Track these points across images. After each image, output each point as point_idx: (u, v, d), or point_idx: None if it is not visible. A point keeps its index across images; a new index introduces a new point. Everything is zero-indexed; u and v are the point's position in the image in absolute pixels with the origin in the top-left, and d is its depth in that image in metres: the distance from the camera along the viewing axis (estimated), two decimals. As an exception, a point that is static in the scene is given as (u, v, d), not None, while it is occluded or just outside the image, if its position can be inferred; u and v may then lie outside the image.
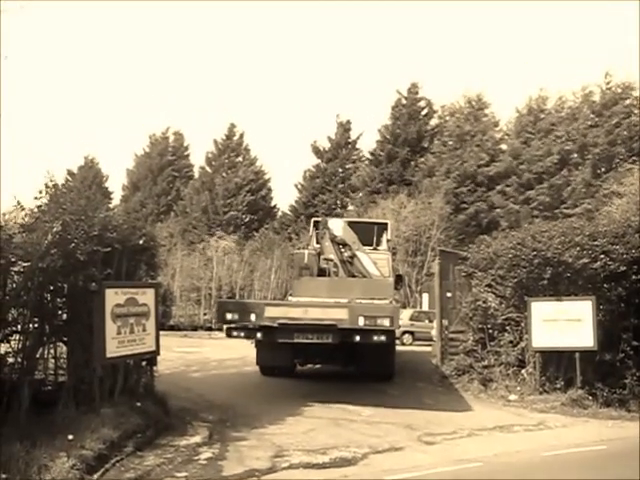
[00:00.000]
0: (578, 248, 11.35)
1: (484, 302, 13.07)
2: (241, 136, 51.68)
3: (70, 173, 49.82)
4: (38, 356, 7.98)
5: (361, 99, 71.89)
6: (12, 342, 7.73)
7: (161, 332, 9.33)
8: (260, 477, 6.77)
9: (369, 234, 16.00)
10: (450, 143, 44.07)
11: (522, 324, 12.13)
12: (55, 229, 7.47)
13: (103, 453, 6.86)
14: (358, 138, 49.68)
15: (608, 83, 42.29)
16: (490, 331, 12.92)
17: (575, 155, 41.24)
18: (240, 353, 16.19)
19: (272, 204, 52.00)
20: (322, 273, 14.57)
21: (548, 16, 69.68)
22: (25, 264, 7.21)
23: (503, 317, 12.71)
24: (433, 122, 47.08)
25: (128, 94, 78.98)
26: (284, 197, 65.06)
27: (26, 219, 8.05)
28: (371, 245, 15.83)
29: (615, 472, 7.29)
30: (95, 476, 6.46)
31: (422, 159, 44.73)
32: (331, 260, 14.58)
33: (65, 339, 8.37)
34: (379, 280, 14.44)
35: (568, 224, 12.57)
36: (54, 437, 6.62)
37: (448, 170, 42.02)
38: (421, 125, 46.07)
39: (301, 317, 10.27)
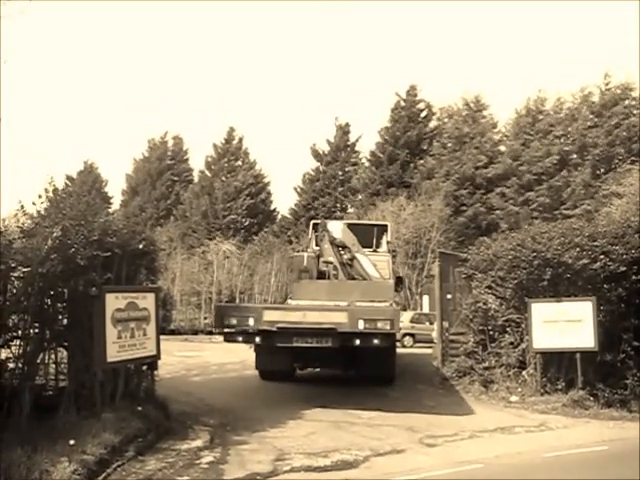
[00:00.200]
0: (578, 249, 11.35)
1: (484, 304, 13.06)
2: (240, 140, 51.76)
3: (69, 178, 49.92)
4: (39, 361, 7.97)
5: (359, 102, 72.18)
6: (13, 347, 7.74)
7: (162, 336, 9.34)
8: (261, 481, 6.77)
9: (369, 236, 15.94)
10: (449, 145, 44.12)
11: (522, 325, 12.13)
12: (55, 234, 7.48)
13: (104, 458, 6.85)
14: (357, 141, 49.85)
15: (607, 84, 42.37)
16: (491, 332, 12.91)
17: (574, 156, 41.30)
18: (240, 357, 16.18)
19: (272, 207, 52.07)
20: (321, 276, 14.53)
21: (547, 16, 69.90)
22: (25, 269, 7.23)
23: (503, 318, 12.71)
24: (432, 124, 47.16)
25: (127, 98, 79.14)
26: (284, 200, 64.93)
27: (26, 224, 8.07)
28: (371, 247, 15.77)
29: (616, 473, 7.29)
30: (96, 481, 6.46)
31: (421, 161, 44.79)
32: (330, 263, 14.53)
33: (66, 344, 8.36)
34: (379, 282, 14.40)
35: (568, 225, 12.57)
36: (55, 442, 6.63)
37: (447, 172, 42.06)
38: (420, 127, 46.14)
39: (300, 321, 10.14)
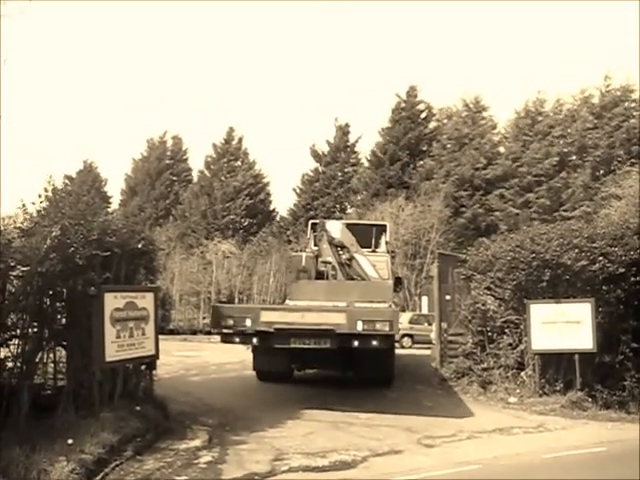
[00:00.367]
0: (577, 250, 11.36)
1: (483, 305, 13.07)
2: (240, 140, 51.77)
3: (69, 177, 49.88)
4: (37, 360, 7.97)
5: (359, 102, 72.18)
6: (11, 346, 7.73)
7: (160, 336, 9.33)
8: (260, 480, 6.77)
9: (367, 236, 15.89)
10: (448, 146, 44.15)
11: (521, 326, 12.13)
12: (54, 233, 7.48)
13: (103, 457, 6.85)
14: (357, 141, 49.87)
15: (608, 86, 42.41)
16: (489, 334, 12.91)
17: (574, 157, 41.33)
18: (239, 357, 16.17)
19: (271, 208, 52.06)
20: (320, 276, 14.48)
21: (547, 17, 69.94)
22: (24, 268, 7.23)
23: (502, 319, 12.70)
24: (431, 125, 47.18)
25: (126, 98, 79.13)
26: (283, 201, 65.13)
27: (25, 223, 8.07)
28: (370, 247, 15.73)
29: (615, 474, 7.30)
30: (95, 480, 6.46)
31: (421, 162, 44.82)
32: (329, 263, 14.48)
33: (64, 343, 8.37)
34: (378, 283, 14.35)
35: (566, 226, 12.57)
36: (54, 441, 6.62)
37: (447, 173, 42.09)
38: (420, 129, 46.18)
39: (298, 322, 10.01)
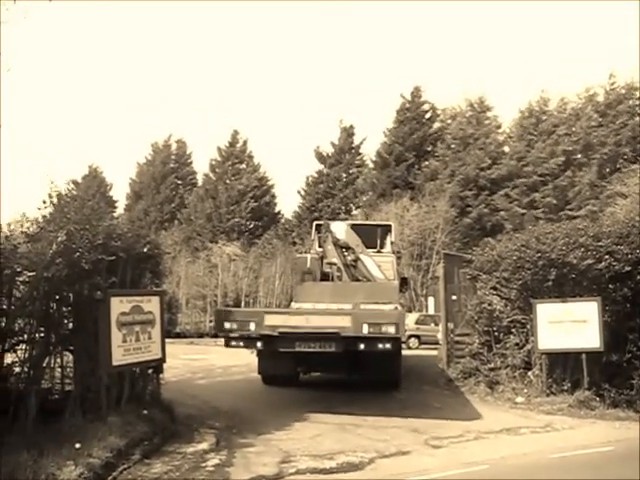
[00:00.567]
0: (582, 249, 11.33)
1: (489, 305, 13.05)
2: (244, 143, 51.87)
3: (74, 182, 50.04)
4: (45, 365, 8.00)
5: (363, 103, 72.13)
6: (19, 352, 7.77)
7: (167, 340, 9.35)
8: (267, 483, 6.78)
9: (372, 236, 15.82)
10: (453, 146, 44.12)
11: (528, 326, 12.11)
12: (60, 238, 7.51)
13: (110, 461, 6.87)
14: (362, 143, 49.88)
15: (612, 84, 42.32)
16: (496, 333, 12.89)
17: (579, 155, 41.24)
18: (245, 360, 16.14)
19: (276, 210, 52.11)
20: (325, 277, 14.46)
21: (547, 16, 69.78)
22: (30, 274, 7.26)
23: (508, 319, 12.68)
24: (435, 126, 47.16)
25: (130, 102, 79.35)
26: (288, 203, 65.27)
27: (31, 229, 8.11)
28: (375, 248, 15.67)
29: (622, 473, 7.27)
30: (103, 484, 6.49)
31: (426, 163, 44.79)
32: (334, 264, 14.45)
33: (71, 348, 8.39)
34: (384, 283, 14.34)
35: (572, 225, 12.54)
36: (61, 446, 6.65)
37: (452, 173, 42.05)
38: (425, 129, 46.16)
39: (302, 325, 9.88)
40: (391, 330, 9.60)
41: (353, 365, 12.07)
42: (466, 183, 41.60)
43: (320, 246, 15.41)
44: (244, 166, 51.49)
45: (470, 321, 13.96)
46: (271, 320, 10.08)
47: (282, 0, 69.99)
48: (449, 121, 46.71)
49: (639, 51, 48.27)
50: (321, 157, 49.84)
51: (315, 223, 17.03)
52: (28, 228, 8.16)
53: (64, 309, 8.36)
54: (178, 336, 28.48)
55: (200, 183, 53.26)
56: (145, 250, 9.17)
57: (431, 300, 30.34)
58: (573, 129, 41.68)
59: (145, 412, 8.51)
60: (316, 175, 49.54)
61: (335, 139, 49.79)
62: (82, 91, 78.14)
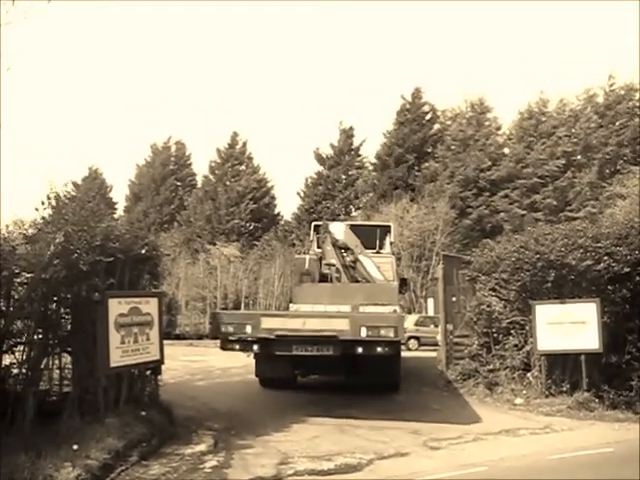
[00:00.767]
0: (581, 250, 11.32)
1: (488, 306, 13.05)
2: (244, 144, 51.90)
3: (75, 184, 50.01)
4: (42, 367, 7.99)
5: (363, 105, 72.12)
6: (17, 353, 7.76)
7: (167, 341, 9.36)
8: (265, 485, 6.77)
9: (372, 237, 15.65)
10: (453, 147, 44.14)
11: (527, 327, 12.10)
12: (58, 240, 7.50)
13: (108, 463, 6.86)
14: (361, 144, 49.90)
15: (611, 85, 42.36)
16: (495, 335, 12.89)
17: (579, 157, 41.27)
18: (244, 361, 16.13)
19: (276, 212, 52.13)
20: (324, 279, 14.37)
21: (549, 17, 69.84)
22: (29, 275, 7.27)
23: (508, 321, 12.68)
24: (435, 127, 47.20)
25: (130, 103, 79.37)
26: (288, 205, 65.21)
27: (29, 231, 8.11)
28: (374, 248, 15.54)
29: (622, 475, 7.26)
30: (100, 485, 6.47)
31: (426, 164, 44.81)
32: (333, 265, 14.36)
33: (69, 349, 8.39)
34: (383, 284, 14.25)
35: (571, 226, 12.54)
36: (59, 447, 6.65)
37: (452, 174, 42.06)
38: (425, 130, 46.18)
39: (300, 328, 9.71)
40: (390, 333, 9.43)
41: (352, 368, 11.90)
42: (466, 184, 41.61)
43: (319, 247, 15.29)
44: (243, 168, 51.54)
45: (469, 322, 13.96)
46: (268, 323, 9.89)
47: (283, 1, 70.10)
48: (449, 122, 46.75)
49: (639, 52, 48.32)
50: (321, 158, 49.86)
51: (313, 224, 16.87)
52: (26, 229, 8.17)
53: (62, 310, 8.36)
54: (177, 338, 28.43)
55: (199, 185, 53.31)
56: (143, 251, 9.14)
57: (431, 301, 30.33)
58: (573, 130, 41.72)
59: (143, 413, 8.50)
60: (315, 176, 49.57)
61: (335, 140, 49.92)
62: (82, 91, 78.21)
